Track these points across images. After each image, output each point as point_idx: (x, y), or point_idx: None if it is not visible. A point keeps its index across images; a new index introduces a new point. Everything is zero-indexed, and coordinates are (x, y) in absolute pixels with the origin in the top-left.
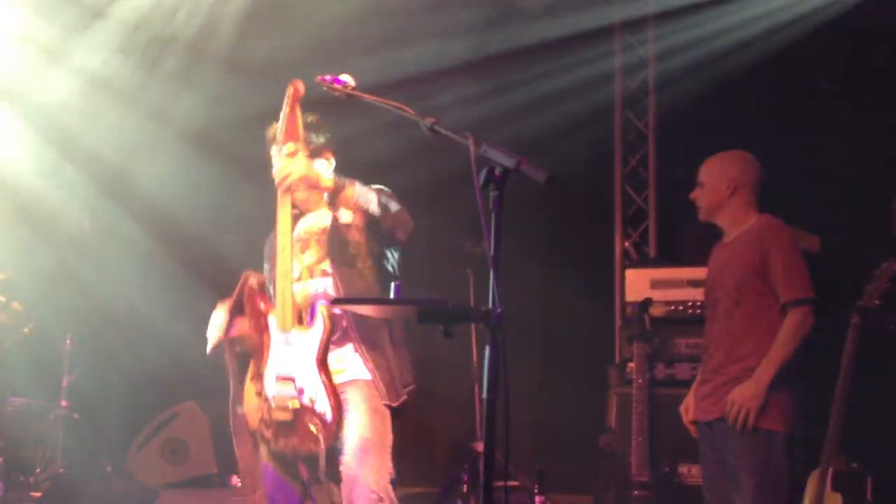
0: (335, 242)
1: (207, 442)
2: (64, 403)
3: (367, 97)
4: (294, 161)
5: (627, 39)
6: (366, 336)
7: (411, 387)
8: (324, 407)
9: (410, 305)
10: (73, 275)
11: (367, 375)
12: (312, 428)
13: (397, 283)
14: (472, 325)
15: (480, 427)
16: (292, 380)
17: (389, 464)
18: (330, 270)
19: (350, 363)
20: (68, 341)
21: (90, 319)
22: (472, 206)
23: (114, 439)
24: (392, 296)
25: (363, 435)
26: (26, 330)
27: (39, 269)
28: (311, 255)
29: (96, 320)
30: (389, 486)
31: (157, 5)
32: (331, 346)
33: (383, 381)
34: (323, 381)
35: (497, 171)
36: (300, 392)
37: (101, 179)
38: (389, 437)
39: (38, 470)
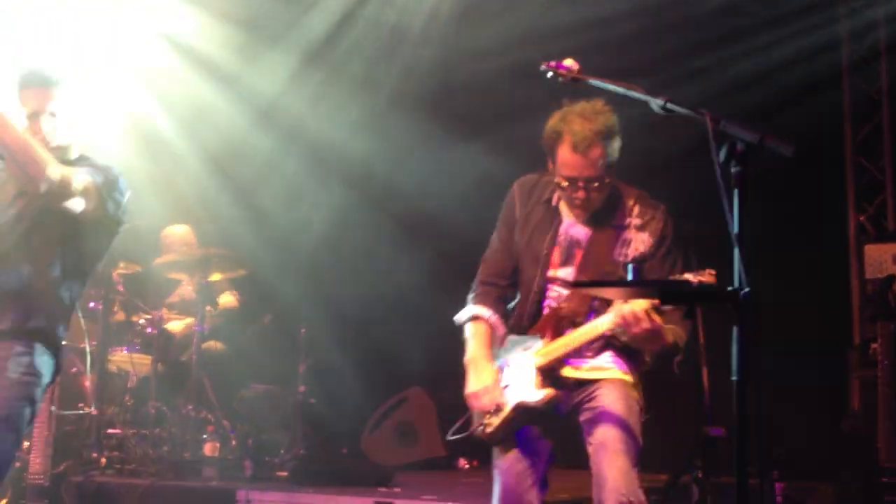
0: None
1: (434, 426)
2: (301, 389)
3: (594, 80)
4: None
5: (853, 3)
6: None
7: None
8: None
9: (654, 287)
10: (304, 268)
11: (628, 377)
12: None
13: (634, 265)
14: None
15: (711, 410)
16: None
17: (637, 467)
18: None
19: (607, 367)
20: (303, 331)
21: (321, 310)
22: (688, 184)
23: (348, 422)
24: (630, 277)
25: (616, 436)
26: (266, 321)
27: (273, 263)
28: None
29: (327, 311)
30: (640, 492)
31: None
32: (588, 355)
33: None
34: None
35: (739, 147)
36: None
37: (340, 174)
38: (640, 441)
39: (282, 451)
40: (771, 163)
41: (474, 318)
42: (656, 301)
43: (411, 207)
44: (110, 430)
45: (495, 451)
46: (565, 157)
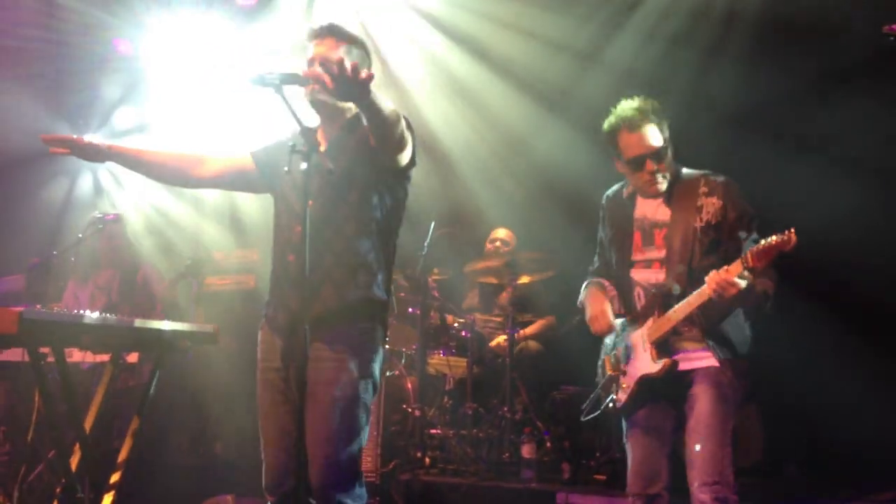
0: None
1: (756, 429)
2: None
3: None
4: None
5: None
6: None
7: None
8: None
9: None
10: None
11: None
12: None
13: None
14: None
15: None
16: None
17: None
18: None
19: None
20: None
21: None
22: None
23: None
24: None
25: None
26: (575, 322)
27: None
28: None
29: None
30: (727, 471)
31: None
32: (686, 342)
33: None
34: None
35: None
36: None
37: None
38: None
39: (597, 454)
40: None
41: (589, 284)
42: (748, 263)
43: None
44: (432, 431)
45: (625, 424)
46: (626, 142)
